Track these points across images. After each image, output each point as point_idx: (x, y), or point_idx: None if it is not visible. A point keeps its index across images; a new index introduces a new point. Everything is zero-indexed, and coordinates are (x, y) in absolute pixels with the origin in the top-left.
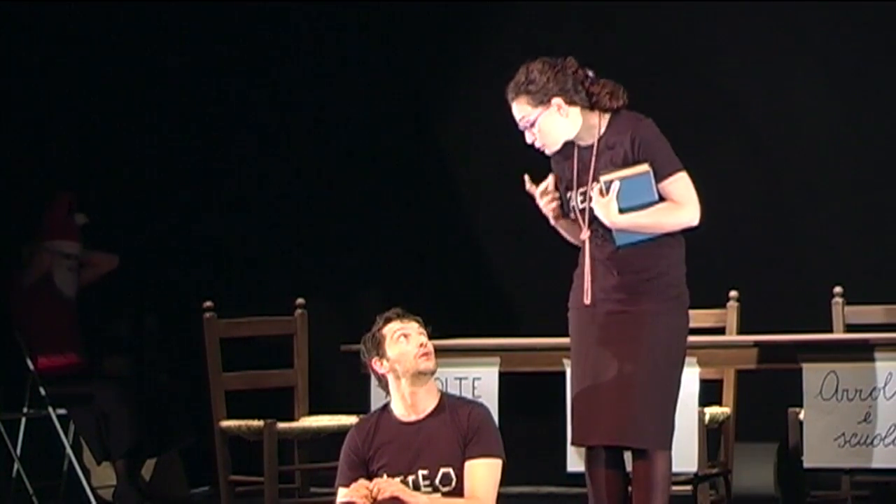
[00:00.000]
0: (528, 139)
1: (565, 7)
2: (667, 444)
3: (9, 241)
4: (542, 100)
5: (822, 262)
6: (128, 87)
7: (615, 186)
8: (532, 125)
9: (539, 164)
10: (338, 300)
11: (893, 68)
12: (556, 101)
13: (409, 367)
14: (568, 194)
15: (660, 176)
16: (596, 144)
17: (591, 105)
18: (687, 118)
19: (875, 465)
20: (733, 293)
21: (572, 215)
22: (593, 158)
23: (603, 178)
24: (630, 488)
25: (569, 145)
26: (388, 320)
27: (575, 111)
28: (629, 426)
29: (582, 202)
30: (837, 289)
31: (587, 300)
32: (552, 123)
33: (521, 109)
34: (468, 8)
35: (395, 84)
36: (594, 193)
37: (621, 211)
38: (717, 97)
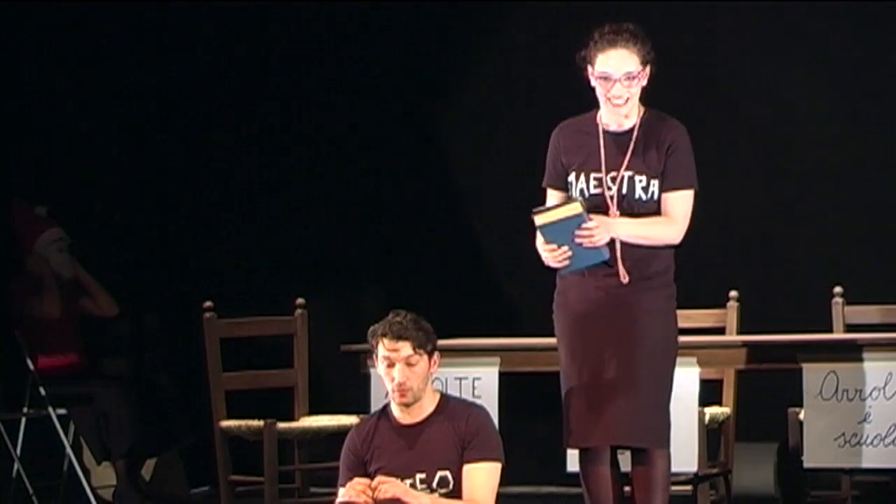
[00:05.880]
0: (618, 91)
1: (565, 7)
2: (667, 443)
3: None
4: (649, 62)
5: (822, 262)
6: (127, 87)
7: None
8: (632, 79)
9: (538, 163)
10: (338, 300)
11: (893, 68)
12: (648, 69)
13: (389, 391)
14: (573, 175)
15: (670, 184)
16: (636, 134)
17: None
18: (687, 118)
19: (875, 465)
20: (733, 293)
21: (576, 193)
22: (632, 146)
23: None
24: (627, 488)
25: (591, 127)
26: (384, 335)
27: None
28: (633, 426)
29: (611, 186)
30: (837, 289)
31: (625, 280)
32: (639, 88)
33: (632, 61)
34: (468, 8)
35: (395, 84)
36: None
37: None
38: (717, 97)
